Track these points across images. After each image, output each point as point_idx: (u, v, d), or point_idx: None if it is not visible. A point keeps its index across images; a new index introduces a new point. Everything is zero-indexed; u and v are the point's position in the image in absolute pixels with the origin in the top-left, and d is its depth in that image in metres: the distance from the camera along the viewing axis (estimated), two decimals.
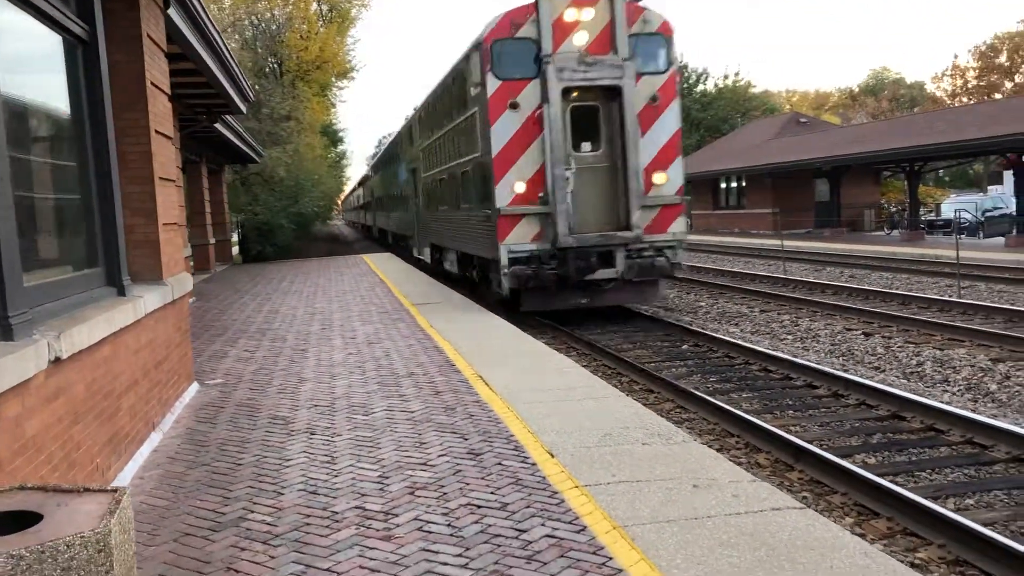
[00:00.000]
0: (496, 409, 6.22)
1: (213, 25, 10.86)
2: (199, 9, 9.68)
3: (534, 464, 4.92)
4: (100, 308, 4.80)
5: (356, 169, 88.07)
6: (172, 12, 8.32)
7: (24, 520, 2.29)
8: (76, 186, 5.20)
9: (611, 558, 3.59)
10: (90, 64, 5.28)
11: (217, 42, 11.35)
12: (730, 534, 3.78)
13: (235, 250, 31.00)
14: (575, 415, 5.95)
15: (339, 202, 73.07)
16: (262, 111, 29.92)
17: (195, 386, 7.40)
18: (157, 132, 6.54)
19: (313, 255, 31.02)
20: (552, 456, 5.04)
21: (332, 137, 53.36)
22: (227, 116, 18.36)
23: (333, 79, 40.00)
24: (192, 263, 19.00)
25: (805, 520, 3.93)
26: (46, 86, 4.85)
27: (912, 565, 4.57)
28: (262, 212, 28.68)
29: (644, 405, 6.93)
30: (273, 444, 5.62)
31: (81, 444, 4.17)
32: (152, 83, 6.46)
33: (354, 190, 67.06)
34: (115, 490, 2.42)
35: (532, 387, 6.89)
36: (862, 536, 4.04)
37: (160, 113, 6.76)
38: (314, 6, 37.00)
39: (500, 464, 4.96)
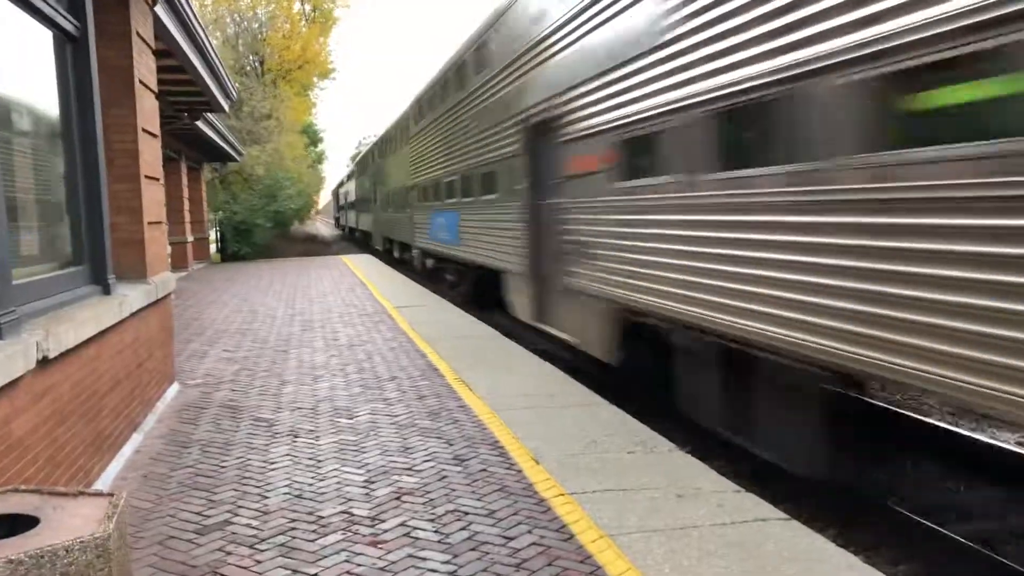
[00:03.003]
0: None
1: (199, 22, 10.79)
2: (186, 6, 9.62)
3: (520, 471, 4.93)
4: (86, 307, 4.75)
5: (333, 171, 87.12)
6: (159, 9, 8.26)
7: (19, 524, 2.27)
8: (62, 183, 5.15)
9: (599, 567, 3.61)
10: (79, 61, 5.22)
11: (202, 40, 11.28)
12: (716, 544, 3.81)
13: (212, 248, 30.76)
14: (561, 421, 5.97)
15: (317, 201, 71.53)
16: (243, 109, 29.76)
17: (176, 386, 7.33)
18: (144, 130, 6.49)
19: (291, 255, 30.88)
20: (537, 463, 5.06)
21: (312, 137, 53.09)
22: (209, 114, 18.23)
23: (315, 79, 39.84)
24: (169, 260, 18.81)
25: (790, 531, 3.98)
26: (35, 83, 4.79)
27: None
28: (240, 211, 28.52)
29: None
30: (256, 446, 5.59)
31: (65, 445, 4.12)
32: (140, 81, 6.41)
33: (341, 185, 58.86)
34: (111, 494, 2.40)
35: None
36: (845, 548, 4.09)
37: (147, 111, 6.71)
38: (297, 5, 36.84)
39: (486, 471, 4.97)
